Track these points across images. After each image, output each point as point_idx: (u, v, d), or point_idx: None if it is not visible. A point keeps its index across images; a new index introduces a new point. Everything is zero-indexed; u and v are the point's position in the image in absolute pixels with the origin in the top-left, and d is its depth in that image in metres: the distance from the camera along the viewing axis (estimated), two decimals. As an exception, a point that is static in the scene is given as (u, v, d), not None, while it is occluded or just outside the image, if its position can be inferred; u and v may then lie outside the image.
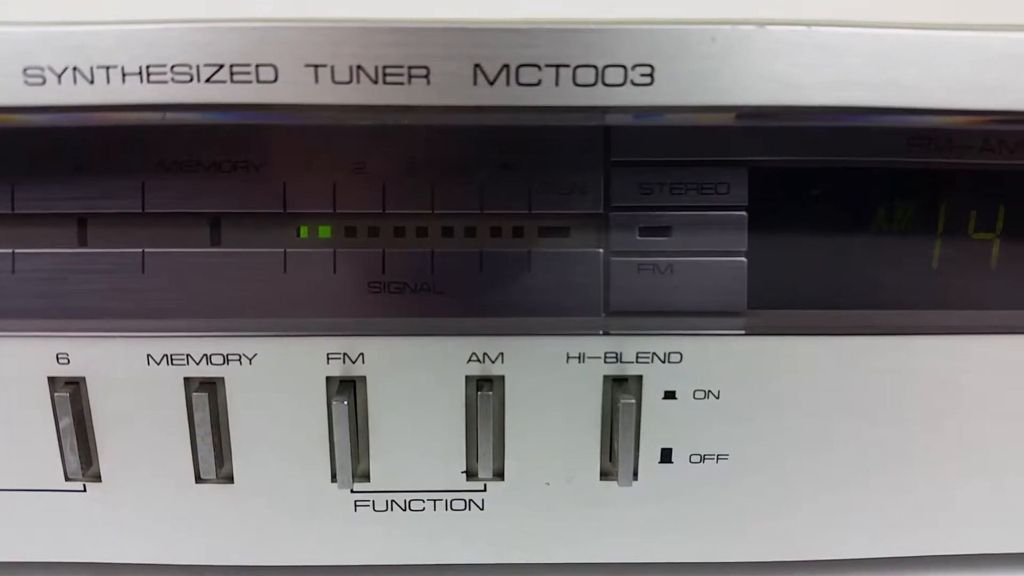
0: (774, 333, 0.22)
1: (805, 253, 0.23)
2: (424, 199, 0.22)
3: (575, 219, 0.22)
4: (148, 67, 0.19)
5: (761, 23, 0.20)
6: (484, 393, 0.22)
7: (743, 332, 0.22)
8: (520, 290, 0.22)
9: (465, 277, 0.22)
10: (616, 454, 0.22)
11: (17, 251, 0.22)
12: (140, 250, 0.22)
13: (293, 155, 0.22)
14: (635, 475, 0.23)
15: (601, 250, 0.22)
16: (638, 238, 0.22)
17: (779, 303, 0.23)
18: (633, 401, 0.21)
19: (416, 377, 0.22)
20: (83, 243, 0.22)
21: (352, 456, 0.22)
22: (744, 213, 0.22)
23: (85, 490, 0.23)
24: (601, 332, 0.22)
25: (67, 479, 0.23)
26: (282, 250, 0.22)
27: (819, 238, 0.22)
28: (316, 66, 0.20)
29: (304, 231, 0.22)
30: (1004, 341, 0.23)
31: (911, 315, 0.23)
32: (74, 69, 0.19)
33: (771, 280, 0.22)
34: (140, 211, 0.22)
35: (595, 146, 0.22)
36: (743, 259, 0.22)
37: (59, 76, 0.19)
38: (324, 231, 0.22)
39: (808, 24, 0.20)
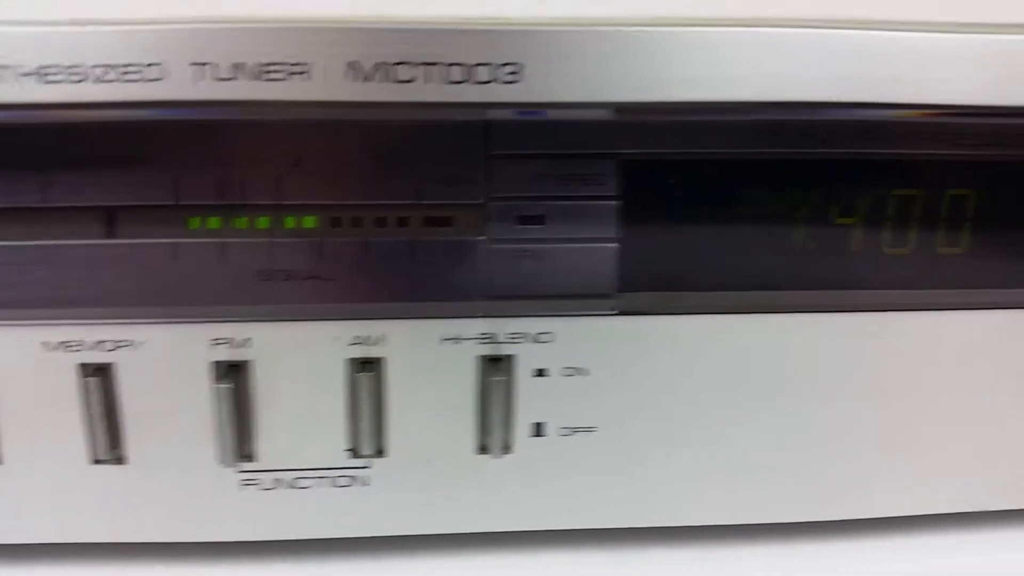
0: (642, 313, 0.24)
1: (672, 239, 0.24)
2: (312, 191, 0.23)
3: (457, 209, 0.24)
4: (43, 68, 0.20)
5: (621, 24, 0.22)
6: (365, 374, 0.23)
7: (614, 312, 0.24)
8: (404, 277, 0.23)
9: (351, 265, 0.23)
10: (490, 429, 0.24)
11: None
12: (37, 243, 0.23)
13: (183, 150, 0.22)
14: (510, 448, 0.24)
15: (482, 238, 0.24)
16: (516, 226, 0.24)
17: (648, 286, 0.24)
18: (504, 379, 0.23)
19: (300, 360, 0.23)
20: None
21: (237, 437, 0.23)
22: (615, 203, 0.24)
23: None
24: (481, 315, 0.24)
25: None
26: (173, 241, 0.23)
27: (686, 225, 0.24)
28: (200, 64, 0.21)
29: (194, 222, 0.23)
30: (860, 319, 0.25)
31: (771, 296, 0.25)
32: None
33: (640, 265, 0.24)
34: (40, 206, 0.22)
35: (476, 139, 0.23)
36: (615, 245, 0.24)
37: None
38: (214, 222, 0.23)
39: (668, 24, 0.22)
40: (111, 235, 0.23)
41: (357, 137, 0.23)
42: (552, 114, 0.23)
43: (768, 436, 0.25)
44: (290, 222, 0.23)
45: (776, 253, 0.25)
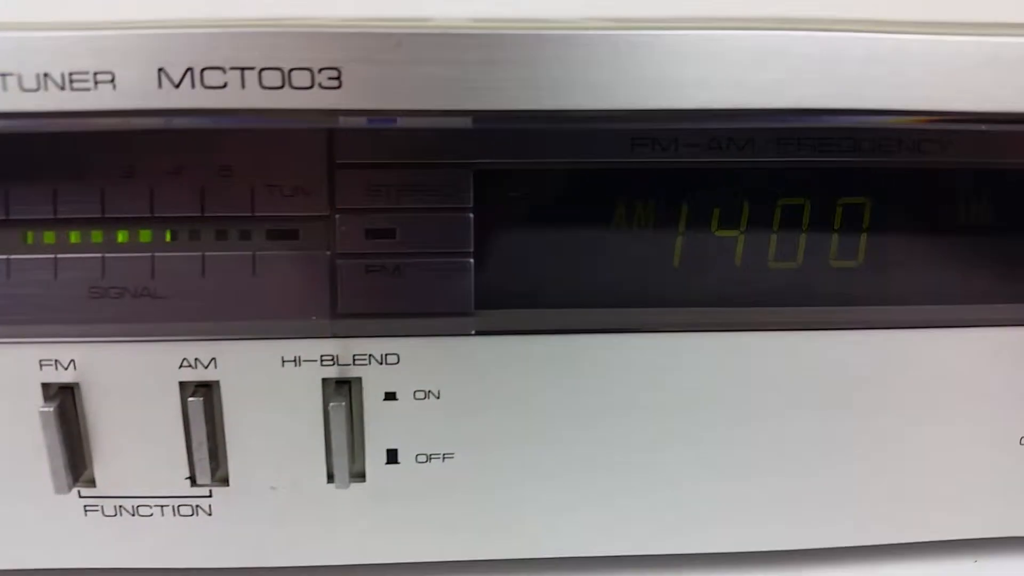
0: (499, 332, 0.22)
1: (532, 253, 0.23)
2: (144, 203, 0.22)
3: (302, 221, 0.22)
4: None
5: (439, 26, 0.20)
6: (194, 399, 0.22)
7: (472, 332, 0.23)
8: (243, 294, 0.22)
9: (187, 282, 0.22)
10: (347, 456, 0.22)
11: None
12: None
13: (10, 163, 0.22)
14: (363, 476, 0.23)
15: (328, 252, 0.22)
16: (365, 239, 0.22)
17: (507, 303, 0.23)
18: (343, 404, 0.21)
19: (130, 383, 0.22)
20: None
21: (70, 462, 0.22)
22: (470, 215, 0.22)
23: None
24: (331, 335, 0.22)
25: None
26: (6, 257, 0.22)
27: (546, 239, 0.22)
28: (3, 75, 0.20)
29: (30, 237, 0.22)
30: (725, 338, 0.23)
31: (635, 313, 0.23)
32: None
33: (498, 281, 0.22)
34: None
35: (319, 148, 0.22)
36: (470, 260, 0.22)
37: None
38: (48, 237, 0.22)
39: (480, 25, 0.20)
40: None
41: (194, 145, 0.22)
42: (402, 122, 0.22)
43: (636, 458, 0.23)
44: (123, 236, 0.22)
45: (641, 268, 0.23)
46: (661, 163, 0.22)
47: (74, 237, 0.22)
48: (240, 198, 0.22)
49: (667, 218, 0.23)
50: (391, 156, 0.22)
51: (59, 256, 0.22)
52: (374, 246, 0.22)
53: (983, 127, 0.22)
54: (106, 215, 0.22)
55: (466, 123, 0.22)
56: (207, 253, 0.22)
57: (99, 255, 0.22)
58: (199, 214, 0.22)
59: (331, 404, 0.21)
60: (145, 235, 0.22)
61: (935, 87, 0.21)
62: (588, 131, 0.22)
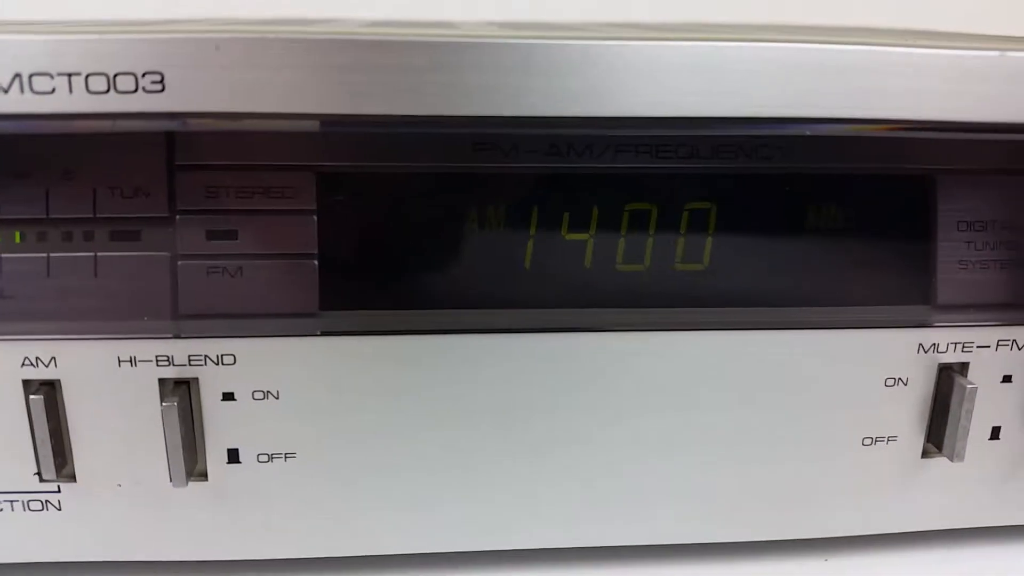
0: (344, 333, 0.23)
1: (376, 255, 0.23)
2: (-6, 205, 0.22)
3: (144, 223, 0.22)
4: None
5: (259, 32, 0.20)
6: (36, 396, 0.22)
7: (318, 333, 0.23)
8: (83, 295, 0.22)
9: (32, 282, 0.22)
10: (189, 455, 0.22)
11: None
12: None
13: None
14: (205, 475, 0.23)
15: (168, 254, 0.23)
16: (206, 241, 0.23)
17: (351, 304, 0.23)
18: (175, 404, 0.22)
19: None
20: None
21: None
22: (313, 216, 0.23)
23: None
24: (172, 336, 0.23)
25: None
26: None
27: (389, 240, 0.23)
28: None
29: None
30: (571, 338, 0.23)
31: (480, 314, 0.23)
32: None
33: (342, 281, 0.23)
34: None
35: (157, 149, 0.22)
36: (314, 261, 0.23)
37: None
38: None
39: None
40: None
41: (36, 148, 0.22)
42: (246, 124, 0.22)
43: (472, 456, 0.24)
44: None
45: (486, 270, 0.23)
46: (502, 168, 0.23)
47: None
48: (82, 200, 0.22)
49: (512, 221, 0.23)
50: (232, 158, 0.22)
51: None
52: (215, 247, 0.22)
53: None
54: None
55: (302, 126, 0.22)
56: (52, 254, 0.22)
57: None
58: (44, 216, 0.22)
59: (164, 404, 0.22)
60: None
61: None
62: (432, 135, 0.23)
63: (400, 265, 0.23)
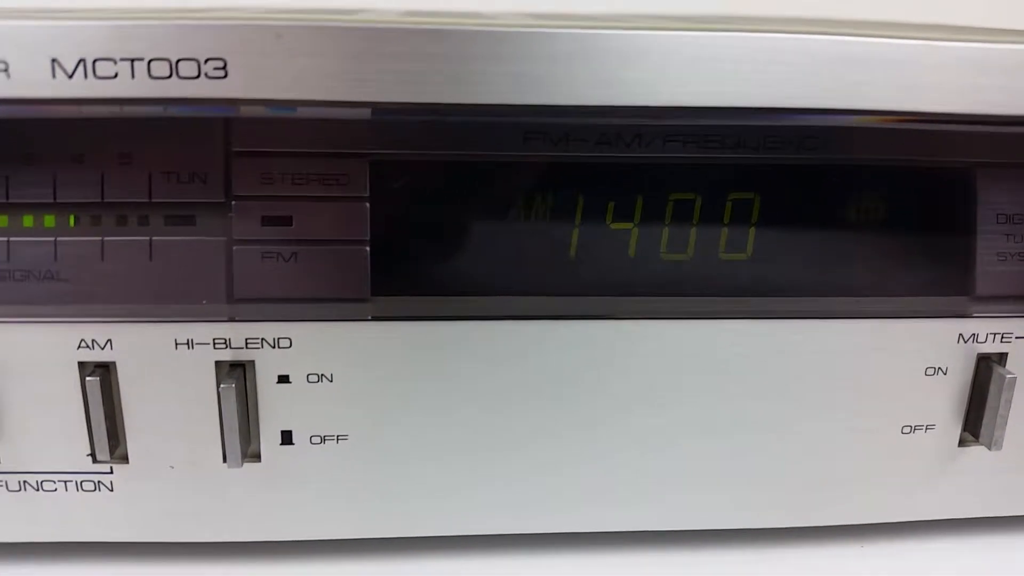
0: (395, 318, 0.23)
1: (427, 242, 0.23)
2: (46, 189, 0.22)
3: (199, 208, 0.23)
4: None
5: (323, 19, 0.21)
6: (93, 378, 0.22)
7: (368, 318, 0.23)
8: (139, 278, 0.23)
9: (88, 266, 0.23)
10: (243, 436, 0.23)
11: None
12: None
13: None
14: (258, 456, 0.24)
15: (224, 239, 0.23)
16: (261, 227, 0.23)
17: (402, 290, 0.23)
18: (232, 385, 0.22)
19: (33, 363, 0.22)
20: None
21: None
22: (366, 204, 0.23)
23: None
24: (227, 319, 0.23)
25: None
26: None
27: (439, 228, 0.23)
28: None
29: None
30: (626, 325, 0.24)
31: (534, 301, 0.24)
32: None
33: (393, 268, 0.23)
34: None
35: (215, 135, 0.22)
36: (366, 248, 0.23)
37: None
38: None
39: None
40: None
41: (94, 133, 0.22)
42: (301, 111, 0.22)
43: (520, 439, 0.24)
44: (28, 221, 0.23)
45: (552, 259, 0.24)
46: (552, 157, 0.23)
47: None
48: (138, 184, 0.22)
49: (562, 210, 0.24)
50: (288, 145, 0.23)
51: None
52: (270, 233, 0.23)
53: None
54: (10, 200, 0.22)
55: (357, 114, 0.23)
56: (107, 238, 0.23)
57: (4, 239, 0.22)
58: (100, 200, 0.23)
59: (221, 386, 0.22)
60: (49, 220, 0.23)
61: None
62: (483, 124, 0.23)
63: (449, 252, 0.23)
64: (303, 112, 0.22)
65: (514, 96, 0.21)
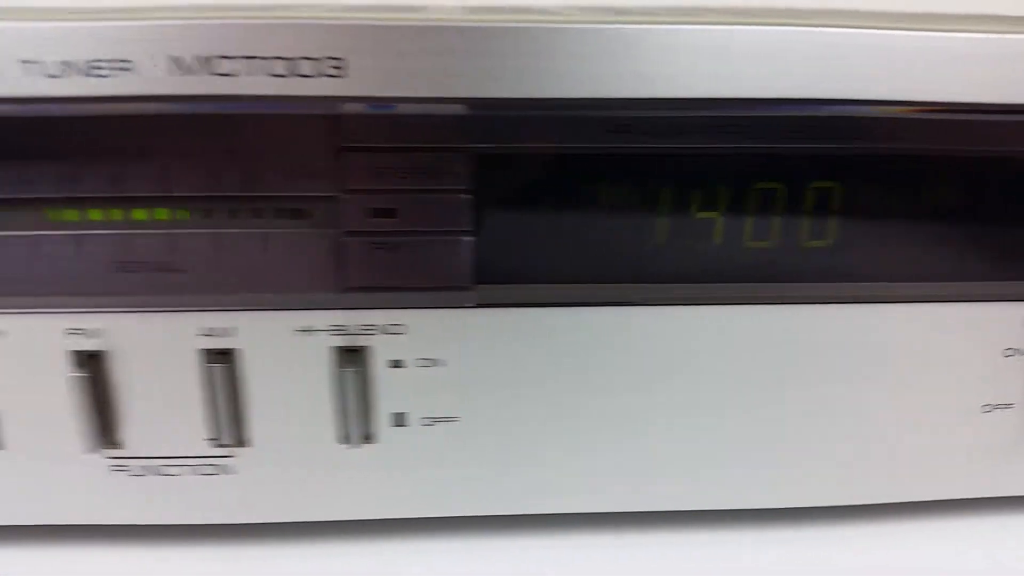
0: (498, 305, 0.24)
1: (527, 232, 0.24)
2: (164, 183, 0.23)
3: (310, 201, 0.23)
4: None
5: (431, 19, 0.21)
6: (216, 365, 0.23)
7: (471, 305, 0.24)
8: (257, 268, 0.23)
9: (204, 256, 0.23)
10: (355, 419, 0.24)
11: None
12: None
13: (37, 144, 0.22)
14: (372, 438, 0.25)
15: (335, 230, 0.23)
16: (369, 219, 0.24)
17: (504, 278, 0.24)
18: (353, 370, 0.23)
19: (155, 351, 0.23)
20: None
21: (100, 424, 0.24)
22: (471, 196, 0.23)
23: None
24: (339, 307, 0.24)
25: None
26: (32, 233, 0.23)
27: (540, 219, 0.24)
28: (27, 62, 0.21)
29: (52, 214, 0.23)
30: (715, 311, 0.24)
31: (624, 289, 0.24)
32: None
33: (496, 257, 0.24)
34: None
35: (328, 132, 0.23)
36: (471, 238, 0.24)
37: None
38: (71, 215, 0.23)
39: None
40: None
41: (209, 129, 0.23)
42: (403, 108, 0.23)
43: (622, 421, 0.25)
44: (141, 214, 0.23)
45: (627, 247, 0.24)
46: (642, 149, 0.23)
47: (95, 215, 0.23)
48: (252, 179, 0.23)
49: (650, 200, 0.24)
50: (395, 140, 0.23)
51: (84, 233, 0.23)
52: (378, 225, 0.23)
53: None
54: (127, 194, 0.23)
55: (461, 110, 0.23)
56: (221, 230, 0.23)
57: (123, 231, 0.23)
58: (214, 194, 0.23)
59: (341, 370, 0.23)
60: (163, 213, 0.23)
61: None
62: (575, 118, 0.23)
63: (547, 242, 0.24)
64: (411, 108, 0.23)
65: (601, 91, 0.22)
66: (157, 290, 0.23)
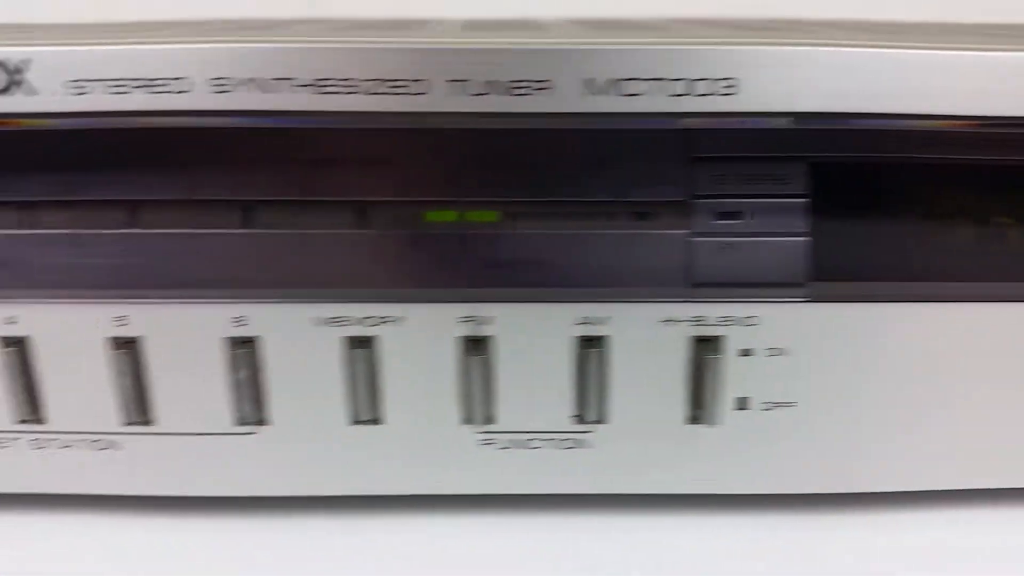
0: (832, 300, 0.27)
1: (857, 234, 0.27)
2: (537, 189, 0.26)
3: (661, 206, 0.26)
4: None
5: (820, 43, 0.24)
6: (591, 350, 0.26)
7: (806, 300, 0.27)
8: (615, 265, 0.26)
9: (567, 255, 0.26)
10: (703, 402, 0.27)
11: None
12: (299, 231, 0.26)
13: (415, 154, 0.26)
14: (716, 420, 0.27)
15: (684, 232, 0.27)
16: (716, 222, 0.27)
17: (836, 276, 0.27)
18: (719, 356, 0.26)
19: (533, 337, 0.26)
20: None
21: (484, 401, 0.27)
22: (806, 200, 0.26)
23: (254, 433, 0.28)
24: (688, 300, 0.27)
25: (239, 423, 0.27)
26: (416, 232, 0.26)
27: (870, 222, 0.27)
28: (456, 81, 0.24)
29: (432, 216, 0.26)
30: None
31: (946, 286, 0.27)
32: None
33: (829, 257, 0.26)
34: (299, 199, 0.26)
35: (678, 144, 0.26)
36: (806, 239, 0.27)
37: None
38: (449, 216, 0.26)
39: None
40: (363, 226, 0.26)
41: (571, 140, 0.26)
42: (750, 122, 0.26)
43: (952, 413, 0.27)
44: (515, 216, 0.26)
45: (949, 247, 0.27)
46: (963, 160, 0.26)
47: (472, 216, 0.26)
48: (612, 185, 0.26)
49: (966, 206, 0.27)
50: (738, 150, 0.26)
51: (461, 232, 0.26)
52: (723, 227, 0.26)
53: None
54: (503, 199, 0.26)
55: (794, 123, 0.26)
56: (583, 232, 0.26)
57: (499, 232, 0.26)
58: (579, 199, 0.26)
59: (709, 356, 0.26)
60: (533, 216, 0.26)
61: None
62: (893, 131, 0.26)
63: (875, 243, 0.26)
64: (753, 122, 0.26)
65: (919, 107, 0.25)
66: (531, 284, 0.26)
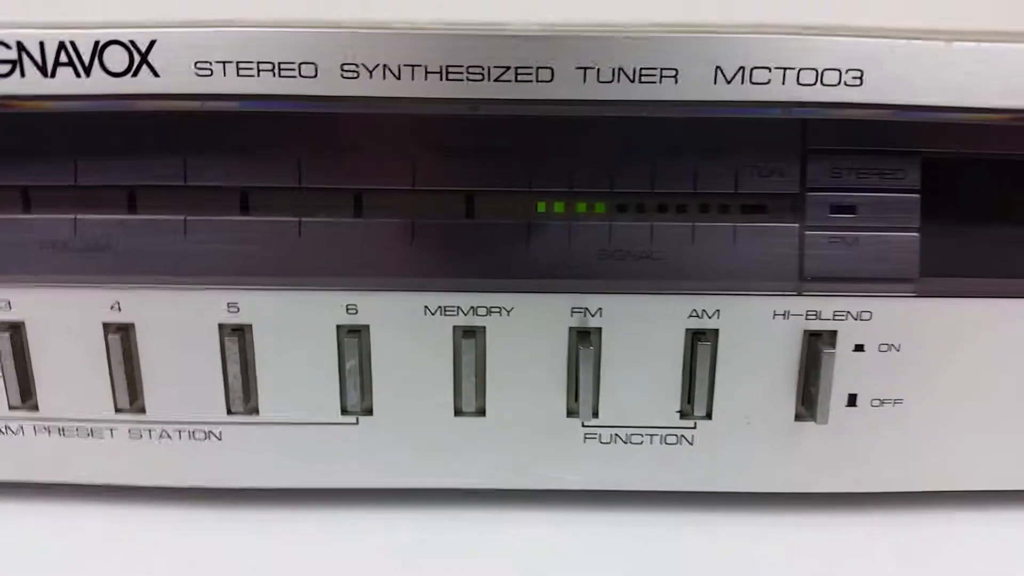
0: (944, 296, 0.26)
1: (969, 230, 0.26)
2: (643, 180, 0.26)
3: (774, 199, 0.26)
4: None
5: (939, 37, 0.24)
6: (703, 344, 0.26)
7: (914, 295, 0.26)
8: (726, 258, 0.26)
9: (678, 247, 0.26)
10: (814, 398, 0.26)
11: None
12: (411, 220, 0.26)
13: (535, 143, 0.25)
14: (825, 417, 0.27)
15: (797, 225, 0.26)
16: (829, 215, 0.26)
17: (946, 272, 0.27)
18: (835, 351, 0.26)
19: (640, 329, 0.26)
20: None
21: (593, 394, 0.26)
22: (918, 195, 0.26)
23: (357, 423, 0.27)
24: (798, 293, 0.26)
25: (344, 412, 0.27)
26: (526, 222, 0.26)
27: (983, 218, 0.26)
28: (587, 68, 0.24)
29: (542, 206, 0.26)
30: None
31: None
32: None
33: (940, 252, 0.26)
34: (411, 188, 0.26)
35: (793, 135, 0.26)
36: (917, 234, 0.26)
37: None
38: (559, 207, 0.26)
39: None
40: (471, 216, 0.26)
41: (683, 130, 0.25)
42: (870, 114, 0.25)
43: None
44: (624, 208, 0.26)
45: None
46: None
47: (580, 207, 0.26)
48: (724, 177, 0.26)
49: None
50: (854, 143, 0.26)
51: (571, 223, 0.26)
52: (836, 221, 0.26)
53: None
54: (612, 189, 0.26)
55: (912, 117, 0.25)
56: (695, 224, 0.26)
57: (606, 223, 0.26)
58: (690, 190, 0.26)
59: (825, 351, 0.25)
60: (641, 207, 0.26)
61: None
62: (1004, 127, 0.26)
63: (985, 239, 0.26)
64: (869, 114, 0.25)
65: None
66: (637, 275, 0.26)
